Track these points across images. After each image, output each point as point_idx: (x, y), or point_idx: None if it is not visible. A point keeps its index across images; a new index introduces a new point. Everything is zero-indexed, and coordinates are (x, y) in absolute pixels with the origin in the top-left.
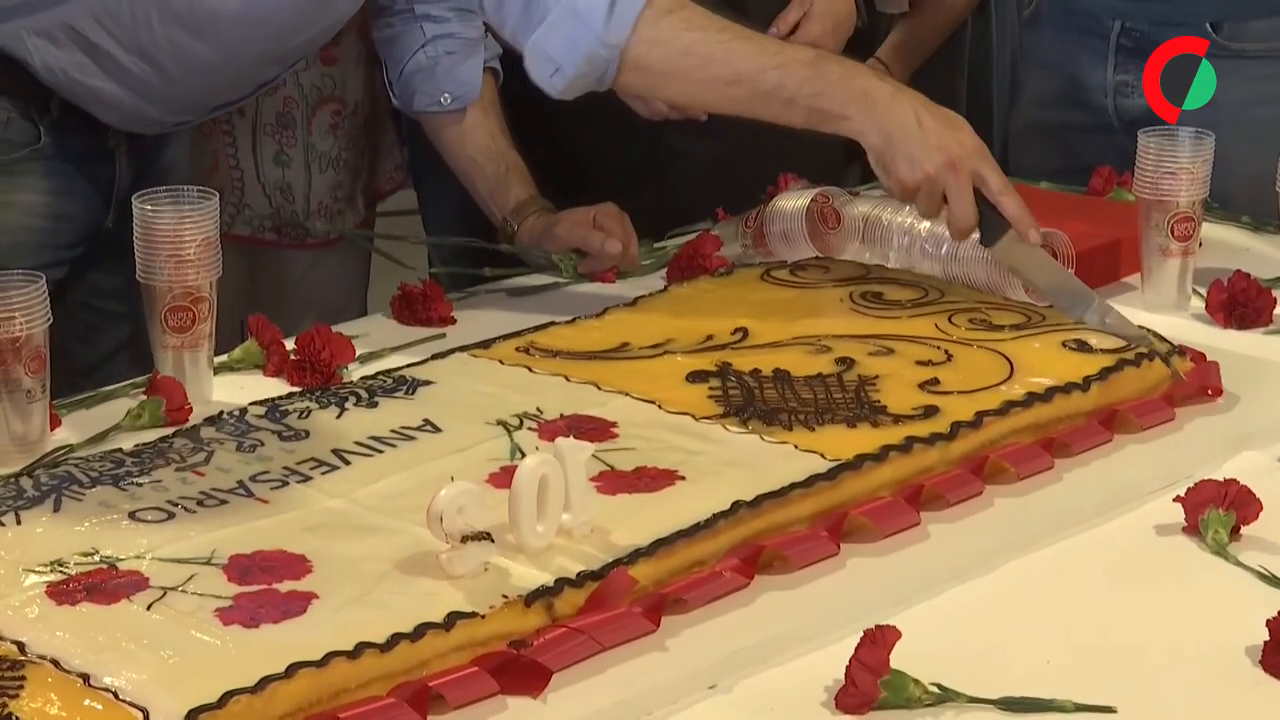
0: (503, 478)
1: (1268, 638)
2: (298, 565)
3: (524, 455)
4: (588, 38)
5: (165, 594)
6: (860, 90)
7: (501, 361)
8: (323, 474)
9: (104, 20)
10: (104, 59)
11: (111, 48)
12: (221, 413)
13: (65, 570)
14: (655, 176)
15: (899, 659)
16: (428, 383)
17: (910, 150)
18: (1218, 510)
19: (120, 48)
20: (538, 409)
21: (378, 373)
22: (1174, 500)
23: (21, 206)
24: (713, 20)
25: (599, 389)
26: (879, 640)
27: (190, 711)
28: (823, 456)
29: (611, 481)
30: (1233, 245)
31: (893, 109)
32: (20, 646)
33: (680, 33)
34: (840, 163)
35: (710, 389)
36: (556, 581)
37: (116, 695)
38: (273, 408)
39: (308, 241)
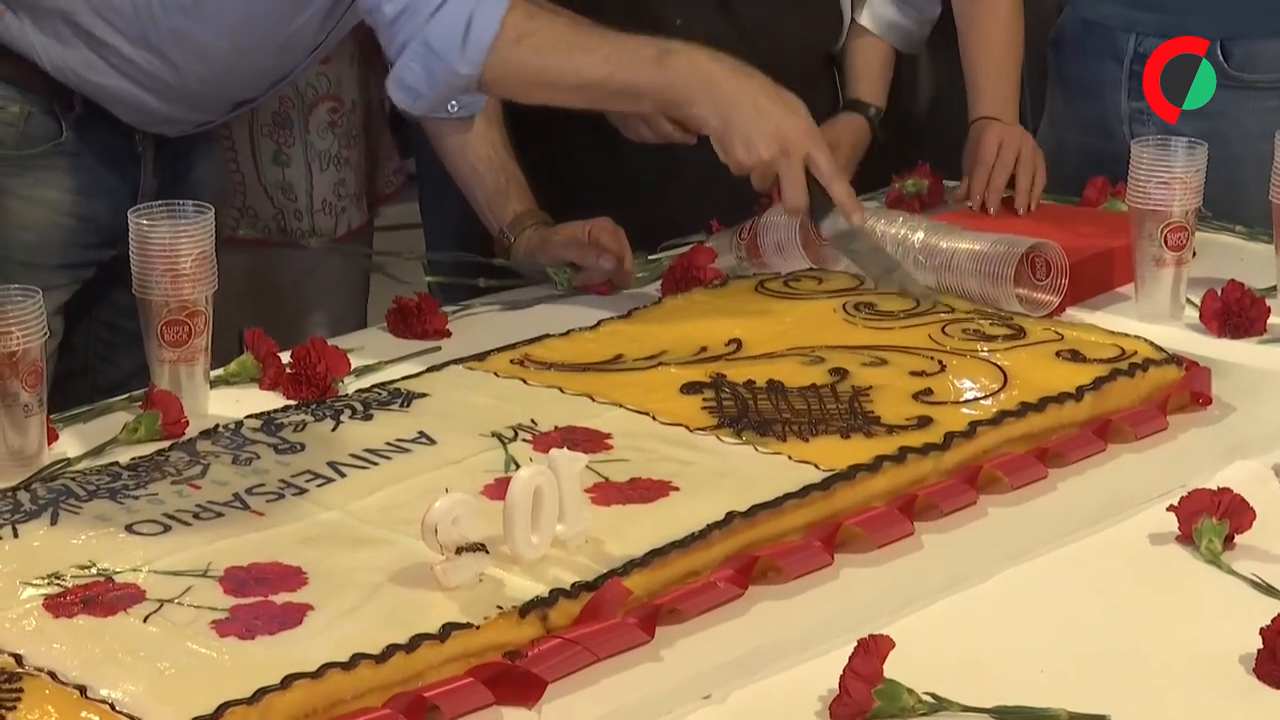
0: (497, 489)
1: (1261, 646)
2: (293, 577)
3: (518, 467)
4: (443, 71)
5: (162, 606)
6: (703, 77)
7: (496, 374)
8: (318, 486)
9: (105, 13)
10: (111, 54)
11: (117, 41)
12: (217, 426)
13: (62, 583)
14: (650, 189)
15: (893, 668)
16: (422, 395)
17: (747, 134)
18: (1211, 519)
19: (125, 41)
20: (532, 420)
21: (373, 385)
22: (1168, 509)
23: (47, 203)
24: (561, 35)
25: (593, 400)
26: (873, 650)
27: None
28: (816, 467)
29: (606, 492)
30: (1226, 254)
31: (733, 94)
32: (17, 659)
33: (529, 57)
34: None
35: (704, 400)
36: (551, 592)
37: (113, 707)
38: (268, 421)
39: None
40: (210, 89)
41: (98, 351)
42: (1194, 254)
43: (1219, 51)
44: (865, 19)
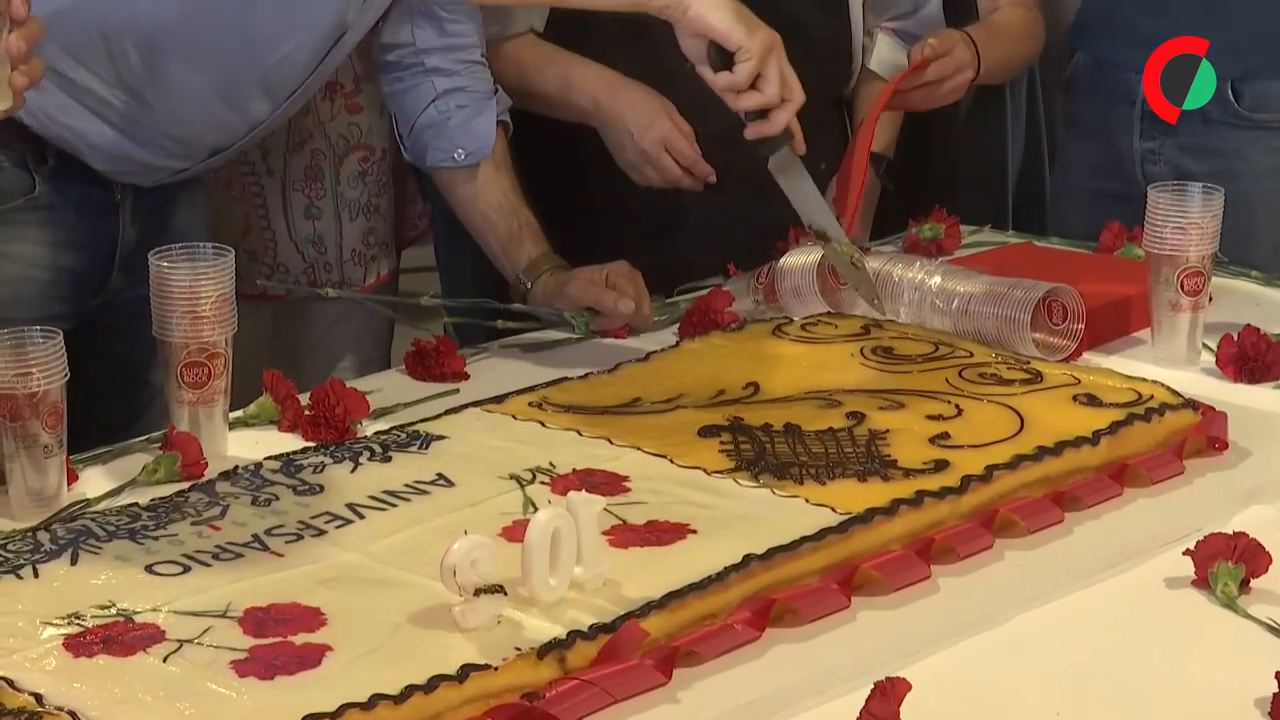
0: (515, 531)
1: (1277, 689)
2: (312, 618)
3: (536, 509)
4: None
5: (181, 646)
6: None
7: (514, 416)
8: (337, 528)
9: (79, 55)
10: (86, 96)
11: (91, 83)
12: (237, 467)
13: (82, 623)
14: (667, 233)
15: (909, 712)
16: (441, 437)
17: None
18: (1227, 563)
19: (100, 82)
20: (550, 463)
21: (391, 427)
22: (1184, 553)
23: (20, 258)
24: None
25: (611, 443)
26: (889, 693)
27: None
28: (833, 510)
29: (623, 535)
30: (1243, 299)
31: None
32: (38, 698)
33: None
34: None
35: (722, 443)
36: (569, 634)
37: None
38: (287, 462)
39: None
40: (185, 130)
41: (88, 400)
42: (1210, 299)
43: (1230, 92)
44: (874, 63)
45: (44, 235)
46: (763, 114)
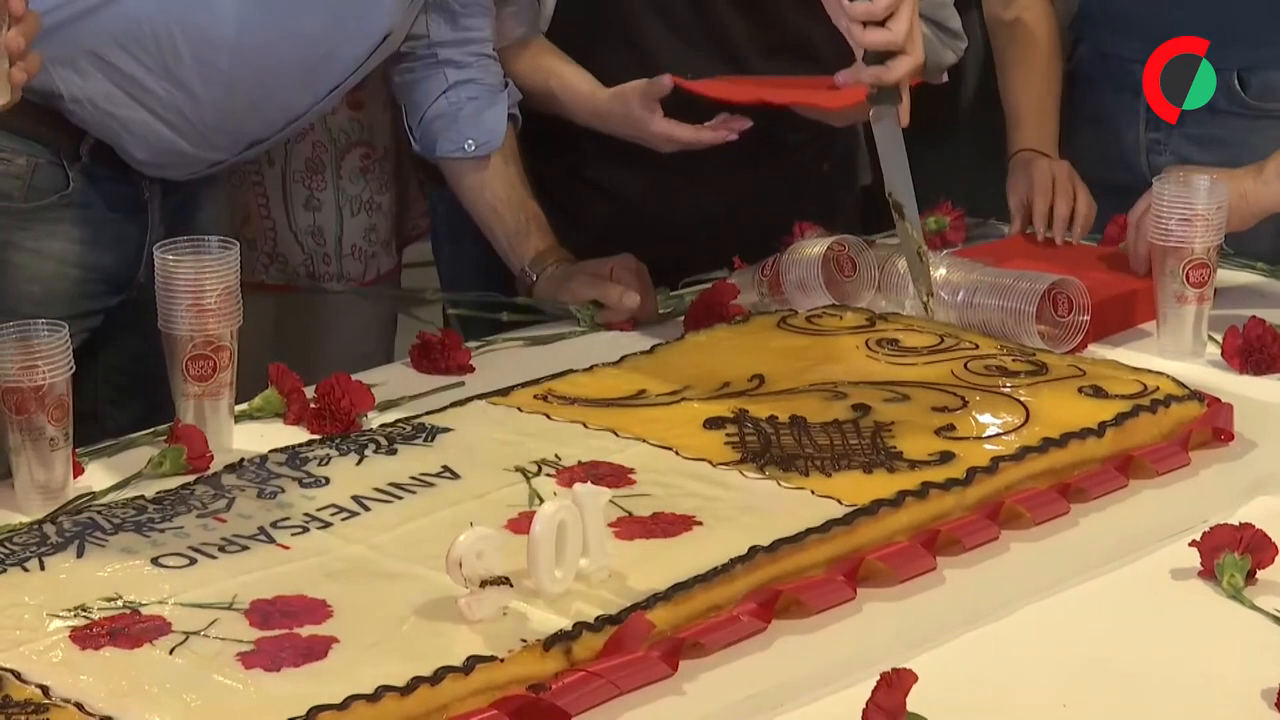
0: (521, 523)
1: None
2: (318, 610)
3: (542, 501)
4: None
5: (188, 638)
6: None
7: (520, 409)
8: (343, 520)
9: (128, 45)
10: (131, 85)
11: (138, 73)
12: (242, 460)
13: (89, 615)
14: (673, 225)
15: (915, 703)
16: (447, 430)
17: None
18: (1233, 554)
19: (147, 72)
20: (556, 455)
21: (397, 420)
22: (1190, 545)
23: (53, 255)
24: None
25: (617, 436)
26: (895, 684)
27: None
28: (839, 502)
29: (629, 527)
30: (1248, 291)
31: None
32: (44, 690)
33: None
34: (855, 211)
35: (727, 435)
36: (575, 626)
37: None
38: (293, 455)
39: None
40: (227, 121)
41: (107, 396)
42: (1215, 290)
43: (1236, 81)
44: None
45: (76, 233)
46: (881, 60)
